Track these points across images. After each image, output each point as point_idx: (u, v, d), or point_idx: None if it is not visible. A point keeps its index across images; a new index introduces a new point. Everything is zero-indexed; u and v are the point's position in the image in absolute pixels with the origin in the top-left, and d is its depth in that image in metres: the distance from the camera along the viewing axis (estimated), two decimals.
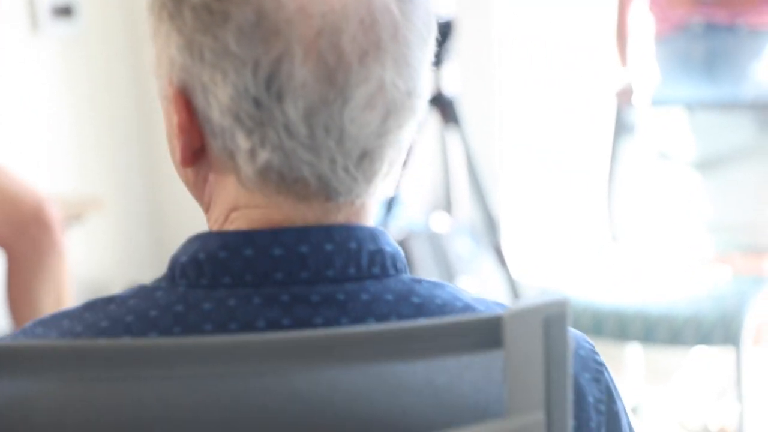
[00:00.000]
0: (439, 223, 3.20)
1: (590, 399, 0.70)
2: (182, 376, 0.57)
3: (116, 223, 3.03)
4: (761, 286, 2.46)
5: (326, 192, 0.68)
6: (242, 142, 0.67)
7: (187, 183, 0.74)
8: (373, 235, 0.70)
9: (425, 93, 0.71)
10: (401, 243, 3.04)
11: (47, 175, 2.83)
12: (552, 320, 0.54)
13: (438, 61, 2.46)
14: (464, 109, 3.11)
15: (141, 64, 3.11)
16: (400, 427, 0.58)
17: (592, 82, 3.15)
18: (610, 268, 2.73)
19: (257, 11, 0.65)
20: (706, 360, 2.93)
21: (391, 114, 0.68)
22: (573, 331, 0.72)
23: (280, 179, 0.68)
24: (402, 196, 3.25)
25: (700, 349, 2.38)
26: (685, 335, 2.33)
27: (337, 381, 0.56)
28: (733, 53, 2.63)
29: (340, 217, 0.70)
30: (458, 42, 3.08)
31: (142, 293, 0.69)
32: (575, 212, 3.27)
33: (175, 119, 0.69)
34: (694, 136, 2.67)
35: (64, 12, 2.88)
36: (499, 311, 0.63)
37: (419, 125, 0.72)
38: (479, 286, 3.09)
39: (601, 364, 0.72)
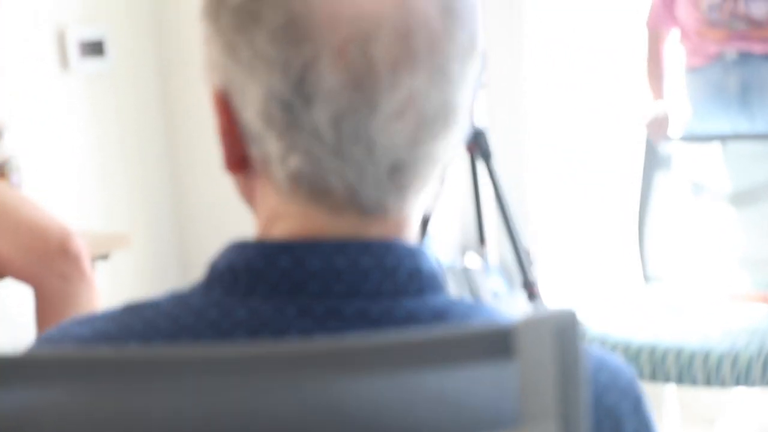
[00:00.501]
0: (470, 260, 3.16)
1: (628, 429, 0.68)
2: (192, 387, 0.56)
3: (143, 261, 3.02)
4: None
5: (357, 203, 0.68)
6: (273, 147, 0.67)
7: (237, 189, 0.74)
8: (411, 252, 0.69)
9: (465, 108, 0.69)
10: None
11: (74, 212, 2.83)
12: (563, 330, 0.53)
13: None
14: (494, 141, 3.08)
15: (170, 101, 3.11)
16: None
17: (624, 107, 3.11)
18: (645, 304, 2.67)
19: (289, 14, 0.65)
20: (746, 402, 2.85)
21: (423, 126, 0.66)
22: (615, 359, 0.71)
23: (311, 187, 0.68)
24: (432, 231, 3.22)
25: (740, 390, 2.32)
26: (722, 373, 2.26)
27: (347, 391, 0.56)
28: (767, 83, 2.59)
29: (376, 231, 0.69)
30: (488, 73, 3.06)
31: (177, 299, 0.69)
32: (609, 246, 3.22)
33: (218, 122, 0.71)
34: (728, 169, 2.62)
35: (94, 49, 2.89)
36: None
37: (457, 141, 0.70)
38: None
39: (641, 394, 0.70)
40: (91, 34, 2.88)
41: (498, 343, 0.54)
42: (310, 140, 0.66)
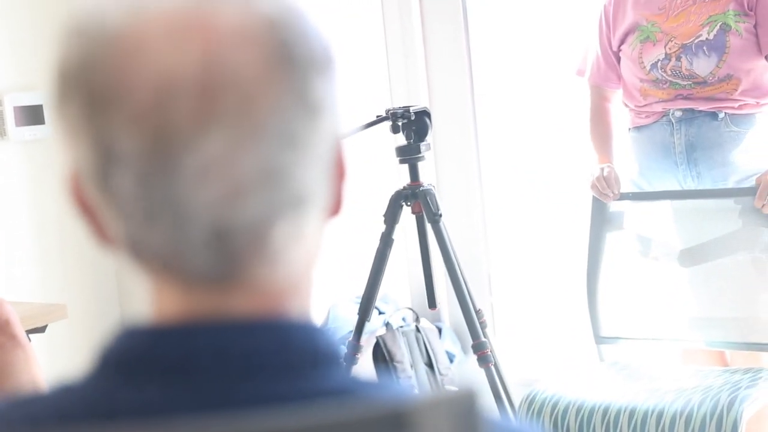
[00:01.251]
0: (422, 321, 3.12)
1: None
2: None
3: (82, 333, 2.94)
4: (756, 380, 2.37)
5: (187, 272, 0.65)
6: (104, 221, 0.67)
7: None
8: (297, 328, 0.66)
9: (307, 170, 0.65)
10: (382, 339, 2.95)
11: (10, 282, 2.75)
12: (462, 412, 0.52)
13: (415, 153, 2.41)
14: (444, 200, 3.07)
15: None
16: None
17: (570, 163, 3.11)
18: (596, 365, 2.64)
19: (89, 89, 0.64)
20: None
21: (239, 189, 0.63)
22: (516, 425, 0.68)
23: (142, 257, 0.66)
24: (386, 292, 3.18)
25: None
26: None
27: None
28: (714, 141, 2.59)
29: (240, 304, 0.65)
30: (434, 132, 3.05)
31: (65, 389, 0.67)
32: (562, 305, 3.19)
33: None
34: (677, 227, 2.61)
35: (31, 116, 2.84)
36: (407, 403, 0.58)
37: (307, 205, 0.66)
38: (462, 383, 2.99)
39: None
40: (29, 100, 2.83)
41: (394, 425, 0.52)
42: (119, 208, 0.64)
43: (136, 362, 0.65)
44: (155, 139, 0.62)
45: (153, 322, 0.67)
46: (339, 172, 0.69)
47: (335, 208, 0.71)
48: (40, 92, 2.88)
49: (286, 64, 0.63)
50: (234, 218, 0.63)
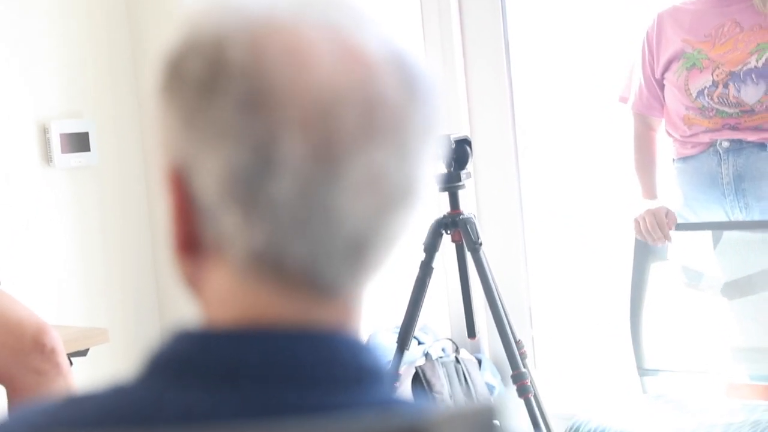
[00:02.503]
0: (462, 352, 3.09)
1: None
2: None
3: (123, 357, 2.95)
4: None
5: (312, 281, 0.66)
6: (231, 223, 0.66)
7: (183, 275, 0.71)
8: (356, 346, 0.67)
9: (427, 186, 0.68)
10: (422, 369, 2.93)
11: (54, 307, 2.77)
12: (482, 426, 0.53)
13: (455, 180, 2.40)
14: (485, 229, 3.05)
15: (153, 195, 3.08)
16: None
17: (616, 194, 3.08)
18: (640, 398, 2.60)
19: (251, 85, 0.64)
20: None
21: (386, 201, 0.66)
22: None
23: (267, 265, 0.66)
24: (425, 322, 3.16)
25: None
26: None
27: None
28: (763, 172, 2.55)
29: (327, 314, 0.67)
30: (476, 162, 3.04)
31: (117, 389, 0.68)
32: (605, 337, 3.15)
33: (170, 202, 0.68)
34: (722, 258, 2.57)
35: (78, 143, 2.87)
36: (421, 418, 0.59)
37: (417, 219, 0.69)
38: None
39: None
40: (75, 127, 2.87)
41: None
42: (271, 213, 0.64)
43: (185, 365, 0.66)
44: (321, 147, 0.63)
45: (205, 326, 0.68)
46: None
47: None
48: (87, 120, 2.92)
49: (416, 91, 0.67)
50: (376, 233, 0.66)
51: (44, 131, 2.82)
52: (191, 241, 0.68)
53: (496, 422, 0.53)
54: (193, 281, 0.70)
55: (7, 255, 2.68)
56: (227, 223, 0.66)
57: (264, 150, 0.64)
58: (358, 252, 0.66)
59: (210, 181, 0.65)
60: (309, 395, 0.64)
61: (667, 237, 2.55)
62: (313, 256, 0.65)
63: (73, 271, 2.87)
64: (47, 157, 2.83)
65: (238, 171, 0.64)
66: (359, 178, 0.64)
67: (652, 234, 2.55)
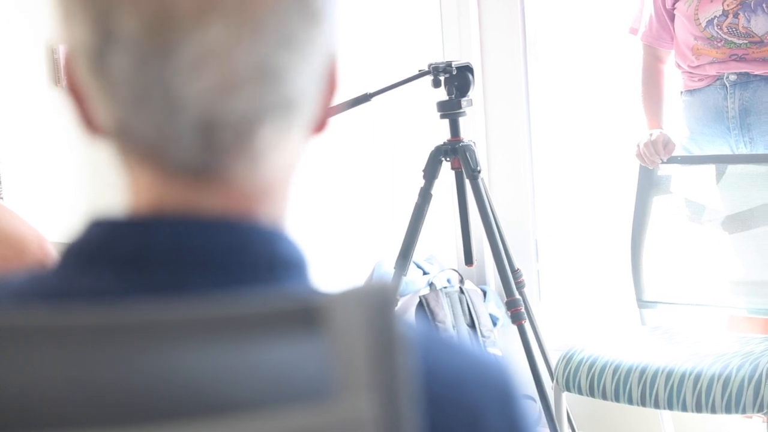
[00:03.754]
0: (467, 283, 3.11)
1: (491, 426, 0.65)
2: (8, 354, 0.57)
3: None
4: None
5: (168, 159, 0.65)
6: (93, 102, 0.66)
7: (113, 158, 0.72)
8: (265, 234, 0.66)
9: (299, 73, 0.65)
10: (425, 299, 2.96)
11: (60, 228, 2.81)
12: (376, 305, 0.53)
13: (455, 108, 2.40)
14: (493, 157, 3.05)
15: None
16: (224, 402, 0.57)
17: (622, 127, 3.06)
18: (637, 328, 2.61)
19: None
20: None
21: (232, 82, 0.63)
22: (492, 357, 0.68)
23: (128, 144, 0.66)
24: (431, 252, 3.18)
25: (734, 419, 2.24)
26: (712, 397, 2.19)
27: (164, 359, 0.56)
28: (767, 105, 2.53)
29: (216, 201, 0.66)
30: (485, 88, 3.03)
31: (30, 274, 0.69)
32: (606, 267, 3.16)
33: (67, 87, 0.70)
34: (725, 192, 2.56)
35: None
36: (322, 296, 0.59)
37: (297, 109, 0.66)
38: (502, 345, 2.97)
39: (513, 397, 0.67)
40: None
41: (307, 316, 0.53)
42: (115, 90, 0.64)
43: (96, 252, 0.66)
44: (155, 23, 0.62)
45: (119, 214, 0.68)
46: (331, 85, 0.70)
47: (321, 123, 0.71)
48: None
49: None
50: (223, 111, 0.64)
51: (52, 53, 2.84)
52: (91, 121, 0.69)
53: (394, 304, 0.54)
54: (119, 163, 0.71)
55: (15, 177, 2.72)
56: (91, 101, 0.67)
57: (102, 28, 0.64)
58: (212, 133, 0.64)
59: (77, 61, 0.66)
60: (217, 280, 0.64)
61: (659, 160, 2.55)
62: (159, 133, 0.65)
63: (81, 192, 2.90)
64: (55, 79, 2.85)
65: (83, 50, 0.65)
66: (195, 54, 0.62)
67: (647, 154, 2.55)
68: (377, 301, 0.53)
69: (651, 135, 2.57)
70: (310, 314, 0.54)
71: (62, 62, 0.75)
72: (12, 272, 0.71)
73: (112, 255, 0.65)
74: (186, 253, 0.64)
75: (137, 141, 0.66)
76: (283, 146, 0.67)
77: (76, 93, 0.69)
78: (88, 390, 0.55)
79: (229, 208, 0.66)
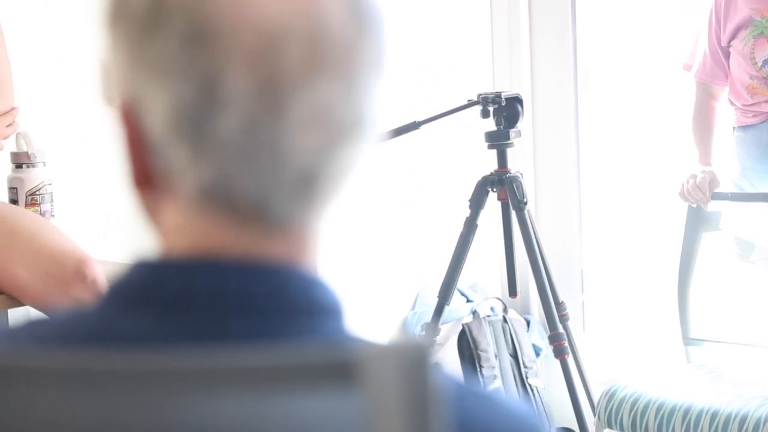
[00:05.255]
0: (511, 312, 3.10)
1: None
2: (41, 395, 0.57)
3: None
4: None
5: (264, 215, 0.66)
6: (180, 157, 0.66)
7: (140, 208, 0.72)
8: (309, 281, 0.67)
9: (374, 121, 0.68)
10: (468, 327, 2.95)
11: (107, 243, 2.84)
12: (412, 362, 0.53)
13: (503, 139, 2.40)
14: (540, 188, 3.04)
15: None
16: None
17: (671, 160, 3.04)
18: (683, 366, 2.58)
19: (195, 18, 0.64)
20: None
21: (334, 135, 0.66)
22: (525, 410, 0.68)
23: (217, 199, 0.66)
24: (475, 280, 3.17)
25: None
26: None
27: (192, 409, 0.57)
28: None
29: (279, 248, 0.67)
30: (534, 119, 3.02)
31: (74, 313, 0.69)
32: (652, 303, 3.12)
33: (123, 137, 0.69)
34: None
35: None
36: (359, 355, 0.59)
37: (366, 155, 0.69)
38: (543, 379, 2.95)
39: None
40: None
41: (342, 371, 0.53)
42: (217, 148, 0.65)
43: (138, 293, 0.67)
44: (266, 81, 0.63)
45: (160, 256, 0.69)
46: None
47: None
48: None
49: (364, 23, 0.66)
50: (326, 165, 0.66)
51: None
52: (146, 175, 0.69)
53: (431, 361, 0.54)
54: (150, 213, 0.71)
55: (66, 195, 2.76)
56: (176, 159, 0.66)
57: (208, 86, 0.64)
58: (307, 186, 0.66)
59: (157, 117, 0.66)
60: (255, 325, 0.64)
61: (706, 199, 2.53)
62: (261, 190, 0.65)
63: (131, 211, 2.93)
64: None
65: (183, 107, 0.65)
66: (305, 112, 0.64)
67: (693, 195, 2.52)
68: (413, 357, 0.53)
69: (696, 177, 2.54)
70: (345, 369, 0.54)
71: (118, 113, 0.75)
72: (56, 308, 0.72)
73: (153, 297, 0.66)
74: (226, 298, 0.65)
75: (236, 196, 0.66)
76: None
77: (135, 146, 0.68)
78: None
79: (281, 253, 0.67)
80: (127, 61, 0.66)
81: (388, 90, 0.69)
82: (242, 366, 0.55)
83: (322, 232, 0.70)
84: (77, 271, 1.85)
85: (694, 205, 2.57)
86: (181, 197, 0.68)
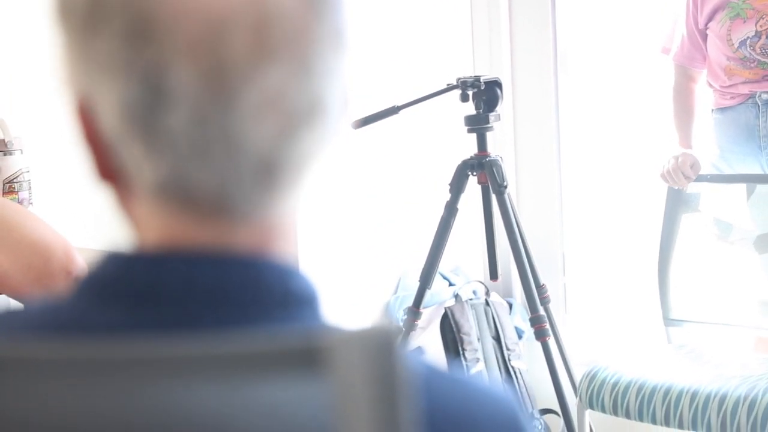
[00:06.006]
0: (493, 295, 3.11)
1: None
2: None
3: None
4: None
5: (225, 207, 0.65)
6: (134, 154, 0.65)
7: (112, 200, 0.71)
8: (280, 270, 0.66)
9: (334, 104, 0.66)
10: (450, 310, 2.96)
11: (88, 231, 2.83)
12: (378, 347, 0.53)
13: (483, 122, 2.40)
14: (521, 172, 3.04)
15: None
16: None
17: (651, 142, 3.05)
18: (663, 347, 2.60)
19: (134, 14, 0.62)
20: None
21: (289, 122, 0.64)
22: (499, 392, 0.67)
23: (176, 194, 0.65)
24: (458, 264, 3.17)
25: None
26: (737, 419, 2.18)
27: (161, 397, 0.56)
28: None
29: (245, 238, 0.66)
30: (514, 103, 3.03)
31: (44, 305, 0.69)
32: (632, 285, 3.14)
33: (80, 133, 0.68)
34: (754, 212, 2.54)
35: None
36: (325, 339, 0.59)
37: (329, 138, 0.67)
38: (525, 361, 2.96)
39: (522, 430, 0.67)
40: None
41: (309, 357, 0.53)
42: (170, 143, 0.63)
43: (110, 285, 0.66)
44: (212, 73, 0.62)
45: (134, 249, 0.68)
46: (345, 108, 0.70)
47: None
48: None
49: (320, 4, 0.64)
50: (285, 153, 0.64)
51: None
52: (108, 169, 0.68)
53: (398, 346, 0.54)
54: (122, 205, 0.71)
55: (43, 183, 2.75)
56: (130, 156, 0.65)
57: (154, 81, 0.62)
58: (268, 174, 0.64)
59: (108, 115, 0.65)
60: (230, 317, 0.64)
61: (685, 181, 2.54)
62: (220, 182, 0.64)
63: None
64: None
65: (131, 105, 0.63)
66: (257, 99, 0.62)
67: (673, 177, 2.54)
68: (380, 342, 0.53)
69: (677, 159, 2.56)
70: (311, 355, 0.54)
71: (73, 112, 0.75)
72: (28, 300, 0.72)
73: (125, 289, 0.66)
74: (199, 290, 0.64)
75: (194, 190, 0.65)
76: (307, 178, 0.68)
77: (94, 143, 0.68)
78: (91, 423, 0.56)
79: (249, 244, 0.67)
80: (75, 59, 0.65)
81: (351, 72, 0.67)
82: (210, 354, 0.55)
83: (292, 221, 0.69)
84: (61, 265, 1.84)
85: (675, 187, 2.59)
86: (140, 192, 0.67)
